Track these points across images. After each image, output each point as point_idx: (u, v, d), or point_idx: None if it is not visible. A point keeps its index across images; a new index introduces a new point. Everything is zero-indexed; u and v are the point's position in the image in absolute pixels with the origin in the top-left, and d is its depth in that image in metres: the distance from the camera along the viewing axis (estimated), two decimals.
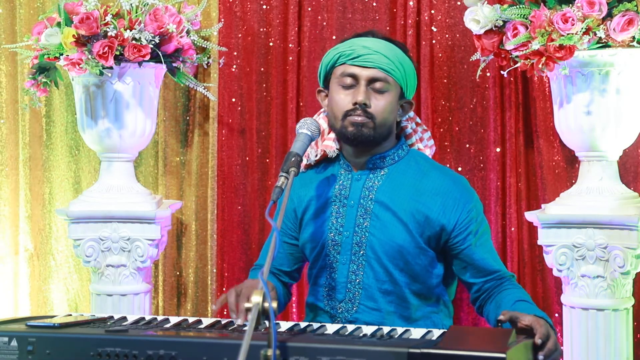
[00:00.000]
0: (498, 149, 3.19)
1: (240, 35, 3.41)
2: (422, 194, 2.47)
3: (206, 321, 2.20)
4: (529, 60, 2.75)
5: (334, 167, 2.59)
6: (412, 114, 2.65)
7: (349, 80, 2.46)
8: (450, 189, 2.47)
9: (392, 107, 2.47)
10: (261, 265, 2.67)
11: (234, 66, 3.41)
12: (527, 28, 2.73)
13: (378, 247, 2.44)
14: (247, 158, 3.43)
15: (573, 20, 2.63)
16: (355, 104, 2.43)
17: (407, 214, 2.44)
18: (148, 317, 2.22)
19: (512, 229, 3.16)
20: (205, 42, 3.24)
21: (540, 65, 2.71)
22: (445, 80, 3.24)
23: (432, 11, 3.22)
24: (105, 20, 3.00)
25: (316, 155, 2.64)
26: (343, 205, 2.51)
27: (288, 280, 2.68)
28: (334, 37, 3.31)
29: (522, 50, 2.74)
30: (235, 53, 3.41)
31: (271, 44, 3.38)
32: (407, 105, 2.55)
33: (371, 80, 2.44)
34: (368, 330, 2.06)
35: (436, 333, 2.01)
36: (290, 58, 3.35)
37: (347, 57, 2.46)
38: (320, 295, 2.53)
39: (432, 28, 3.23)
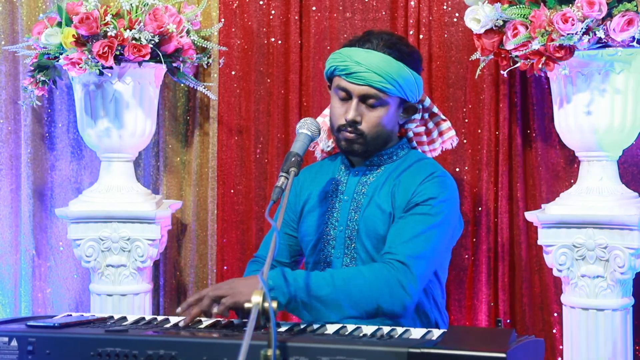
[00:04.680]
0: (495, 149, 3.18)
1: (240, 35, 3.40)
2: (400, 181, 2.49)
3: (206, 321, 2.20)
4: (529, 60, 2.75)
5: (337, 163, 2.64)
6: (427, 102, 2.66)
7: (343, 94, 2.49)
8: (420, 175, 2.47)
9: (388, 119, 2.50)
10: (260, 256, 2.69)
11: (234, 66, 3.40)
12: (527, 28, 2.73)
13: (366, 240, 2.48)
14: (247, 158, 3.42)
15: (573, 20, 2.63)
16: (346, 120, 2.47)
17: (387, 203, 2.47)
18: (148, 317, 2.23)
19: (504, 228, 3.16)
20: (206, 42, 3.24)
21: (540, 65, 2.71)
22: (443, 80, 3.24)
23: (431, 11, 3.22)
24: (105, 20, 3.00)
25: (328, 146, 2.69)
26: (339, 201, 2.55)
27: None
28: (334, 37, 3.31)
29: (522, 50, 2.74)
30: (235, 53, 3.40)
31: (272, 43, 3.38)
32: (410, 109, 2.56)
33: (363, 97, 2.46)
34: (368, 330, 2.06)
35: (436, 333, 2.01)
36: (292, 57, 3.35)
37: (341, 72, 2.48)
38: None
39: (431, 28, 3.22)
